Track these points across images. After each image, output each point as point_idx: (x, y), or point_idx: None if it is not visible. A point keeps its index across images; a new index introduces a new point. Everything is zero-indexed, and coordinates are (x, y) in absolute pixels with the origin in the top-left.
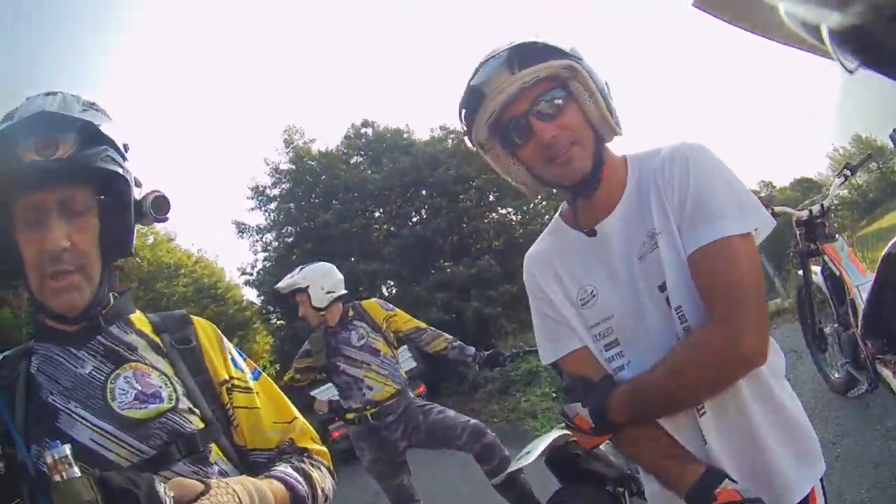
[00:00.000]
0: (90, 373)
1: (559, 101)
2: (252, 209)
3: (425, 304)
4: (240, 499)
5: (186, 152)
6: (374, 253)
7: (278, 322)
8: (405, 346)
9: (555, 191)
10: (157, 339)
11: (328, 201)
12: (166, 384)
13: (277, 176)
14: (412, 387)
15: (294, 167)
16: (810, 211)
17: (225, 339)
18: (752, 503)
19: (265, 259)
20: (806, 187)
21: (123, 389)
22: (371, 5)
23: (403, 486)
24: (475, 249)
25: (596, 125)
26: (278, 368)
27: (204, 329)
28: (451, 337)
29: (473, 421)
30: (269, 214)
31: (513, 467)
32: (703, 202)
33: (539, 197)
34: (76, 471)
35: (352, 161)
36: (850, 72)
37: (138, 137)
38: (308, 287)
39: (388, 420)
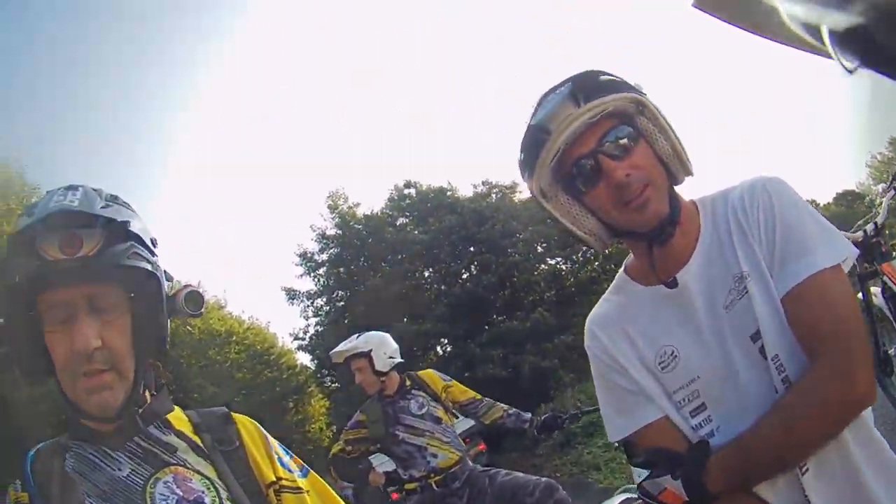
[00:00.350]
0: (128, 476)
1: (627, 140)
2: (301, 275)
3: (481, 361)
4: None
5: (233, 221)
6: (426, 313)
7: (333, 385)
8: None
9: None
10: (197, 440)
11: (376, 264)
12: (209, 488)
13: (324, 241)
14: (472, 445)
15: (340, 232)
16: (864, 231)
17: (270, 438)
18: None
19: (317, 324)
20: (850, 200)
21: (164, 495)
22: (404, 68)
23: None
24: (527, 302)
25: (668, 164)
26: (334, 430)
27: (247, 428)
28: (506, 406)
29: (545, 478)
30: (319, 280)
31: None
32: (791, 237)
33: (584, 248)
34: None
35: (397, 223)
36: (850, 72)
37: (184, 210)
38: (371, 351)
39: (455, 486)
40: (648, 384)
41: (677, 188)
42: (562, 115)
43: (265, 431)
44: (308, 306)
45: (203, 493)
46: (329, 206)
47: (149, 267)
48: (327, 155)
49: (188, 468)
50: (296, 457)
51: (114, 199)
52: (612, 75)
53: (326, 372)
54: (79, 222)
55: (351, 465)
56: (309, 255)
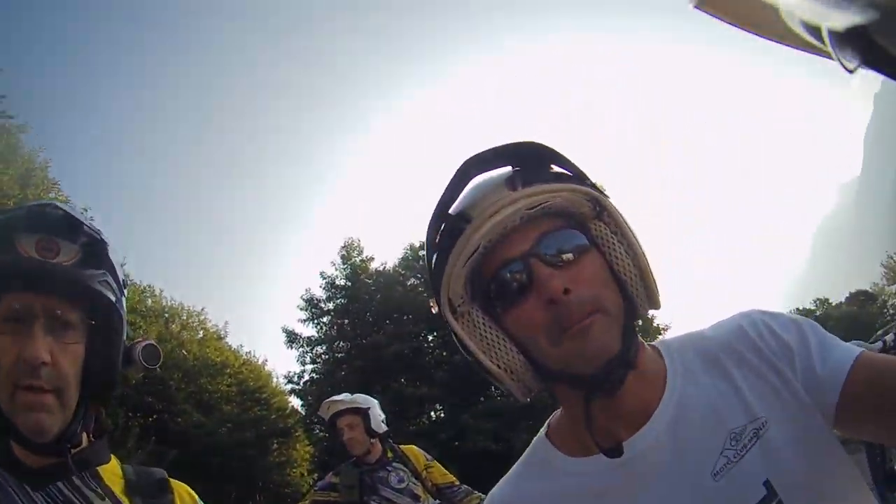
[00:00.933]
0: None
1: (574, 249)
2: (304, 320)
3: (472, 432)
4: None
5: (248, 256)
6: (425, 377)
7: (321, 433)
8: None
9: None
10: (125, 502)
11: (382, 320)
12: None
13: (333, 290)
14: None
15: (350, 283)
16: (884, 341)
17: None
18: None
19: (313, 370)
20: (862, 300)
21: None
22: (432, 134)
23: None
24: None
25: (628, 288)
26: (315, 478)
27: (183, 499)
28: (482, 495)
29: None
30: (322, 327)
31: None
32: (827, 350)
33: None
34: None
35: (408, 282)
36: (850, 72)
37: (200, 237)
38: (368, 409)
39: None
40: None
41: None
42: (491, 199)
43: None
44: (307, 352)
45: None
46: (342, 257)
47: (114, 300)
48: (350, 205)
49: None
50: None
51: (97, 230)
52: (568, 162)
53: (316, 419)
54: (62, 231)
55: None
56: (315, 301)
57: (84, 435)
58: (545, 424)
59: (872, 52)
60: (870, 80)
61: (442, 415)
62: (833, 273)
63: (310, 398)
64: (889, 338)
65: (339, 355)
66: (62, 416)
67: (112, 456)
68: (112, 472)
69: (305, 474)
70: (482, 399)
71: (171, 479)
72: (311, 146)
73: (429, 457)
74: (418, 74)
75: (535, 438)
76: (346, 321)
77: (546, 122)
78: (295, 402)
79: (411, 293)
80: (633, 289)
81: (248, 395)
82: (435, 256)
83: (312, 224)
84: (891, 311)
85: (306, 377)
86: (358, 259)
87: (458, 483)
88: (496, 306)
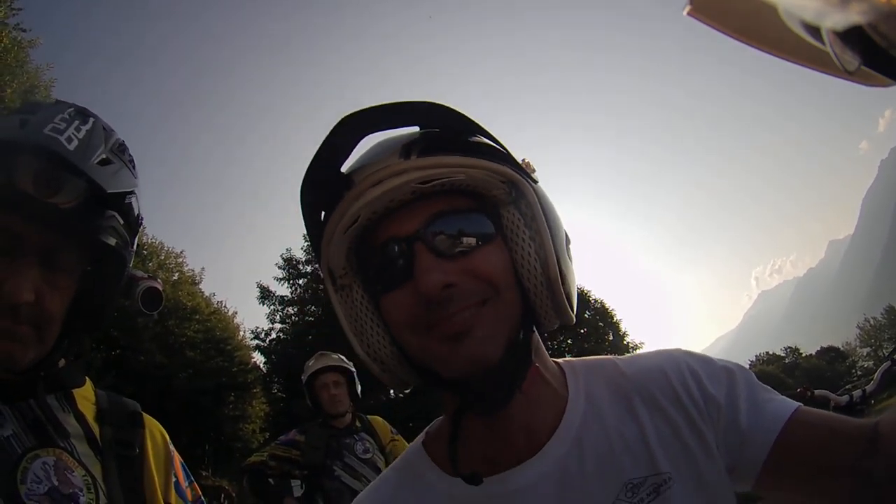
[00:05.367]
0: (7, 437)
1: (473, 235)
2: (280, 279)
3: (432, 414)
4: None
5: (235, 206)
6: None
7: (279, 394)
8: None
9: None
10: (96, 430)
11: None
12: (88, 489)
13: (313, 254)
14: None
15: None
16: (851, 396)
17: (175, 454)
18: None
19: (281, 330)
20: (832, 357)
21: (38, 477)
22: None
23: None
24: None
25: (533, 293)
26: (267, 437)
27: (154, 437)
28: None
29: None
30: (297, 289)
31: None
32: (758, 405)
33: (561, 336)
34: None
35: None
36: (851, 72)
37: (187, 181)
38: (354, 373)
39: None
40: None
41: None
42: (380, 164)
43: (172, 446)
44: (278, 311)
45: (80, 492)
46: None
47: (118, 245)
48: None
49: (74, 458)
50: (195, 484)
51: (121, 150)
52: (488, 135)
53: (276, 379)
54: (68, 165)
55: (264, 482)
56: (295, 262)
57: (60, 360)
58: (424, 431)
59: (872, 52)
60: (880, 147)
61: (401, 395)
62: (807, 326)
63: (273, 357)
64: (856, 394)
65: (310, 319)
66: (38, 348)
67: (87, 380)
68: (85, 396)
69: (258, 431)
70: None
71: (144, 414)
72: (312, 95)
73: (394, 430)
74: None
75: (411, 444)
76: (322, 287)
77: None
78: (258, 358)
79: None
80: (535, 297)
81: (213, 344)
82: (309, 212)
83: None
84: (859, 373)
85: (273, 336)
86: None
87: None
88: (376, 287)
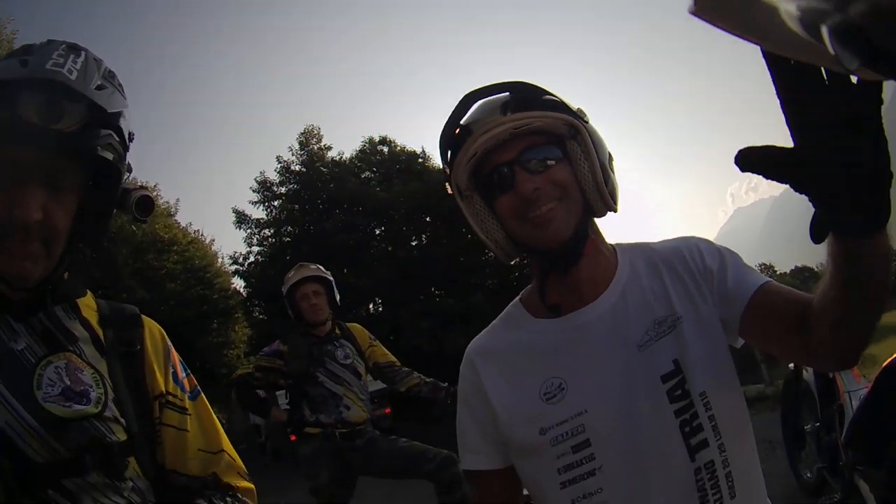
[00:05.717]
0: (22, 350)
1: (551, 160)
2: (255, 202)
3: (408, 330)
4: None
5: (206, 133)
6: (368, 269)
7: (261, 316)
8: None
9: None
10: (99, 333)
11: (332, 210)
12: (98, 384)
13: (287, 175)
14: (379, 406)
15: (305, 170)
16: None
17: (172, 350)
18: None
19: (259, 253)
20: (806, 276)
21: (52, 380)
22: (404, 30)
23: None
24: (469, 284)
25: (587, 194)
26: (251, 360)
27: (152, 334)
28: (421, 376)
29: (446, 451)
30: (272, 211)
31: None
32: (740, 272)
33: None
34: None
35: (363, 175)
36: (851, 72)
37: (160, 110)
38: (332, 282)
39: (357, 443)
40: (509, 425)
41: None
42: (489, 120)
43: (170, 343)
44: (255, 234)
45: (90, 388)
46: (300, 143)
47: (115, 160)
48: (314, 91)
49: (82, 359)
50: (192, 376)
51: (111, 76)
52: (553, 96)
53: (257, 302)
54: (67, 94)
55: (253, 393)
56: (269, 184)
57: (64, 273)
58: (520, 293)
59: (873, 51)
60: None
61: (380, 309)
62: (782, 245)
63: (253, 280)
64: None
65: (286, 240)
66: (47, 263)
67: (88, 291)
68: (87, 304)
69: (242, 356)
70: (421, 297)
71: (143, 316)
72: (282, 24)
73: (372, 336)
74: None
75: (510, 303)
76: (297, 207)
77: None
78: (238, 283)
79: (365, 186)
80: (590, 195)
81: (192, 273)
82: (448, 153)
83: (274, 108)
84: None
85: (251, 259)
86: (316, 147)
87: (398, 364)
88: (490, 195)
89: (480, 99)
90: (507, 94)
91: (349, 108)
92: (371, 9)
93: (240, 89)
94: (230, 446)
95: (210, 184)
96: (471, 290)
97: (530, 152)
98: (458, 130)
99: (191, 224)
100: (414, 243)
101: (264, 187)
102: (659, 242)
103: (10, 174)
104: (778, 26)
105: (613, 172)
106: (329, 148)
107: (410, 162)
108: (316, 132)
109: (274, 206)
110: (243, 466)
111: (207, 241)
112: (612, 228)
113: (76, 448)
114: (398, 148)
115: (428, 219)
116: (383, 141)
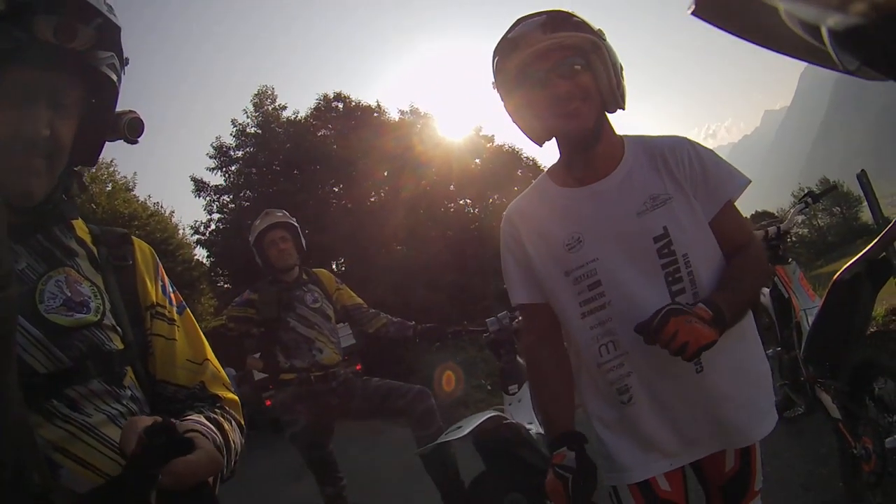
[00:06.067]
0: (23, 270)
1: (578, 67)
2: (213, 169)
3: (372, 284)
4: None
5: (157, 102)
6: (329, 227)
7: (226, 286)
8: (344, 323)
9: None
10: (94, 250)
11: (290, 170)
12: (95, 296)
13: (243, 138)
14: (349, 363)
15: (260, 132)
16: (766, 232)
17: (160, 266)
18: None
19: (220, 220)
20: (765, 223)
21: (53, 293)
22: None
23: (331, 455)
24: (429, 236)
25: (604, 95)
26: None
27: (142, 250)
28: (388, 316)
29: (419, 386)
30: (230, 176)
31: (442, 439)
32: (714, 172)
33: (496, 195)
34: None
35: (319, 133)
36: (851, 72)
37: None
38: (298, 228)
39: (332, 385)
40: (544, 269)
41: (613, 118)
42: (530, 36)
43: (158, 260)
44: (214, 201)
45: (89, 298)
46: (254, 104)
47: (117, 81)
48: (265, 51)
49: (80, 273)
50: (178, 293)
51: (111, 7)
52: (580, 18)
53: (221, 271)
54: (81, 14)
55: (227, 344)
56: (225, 149)
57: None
58: (547, 168)
59: (872, 52)
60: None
61: (343, 267)
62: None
63: (215, 248)
64: (772, 230)
65: (246, 204)
66: (49, 179)
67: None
68: (80, 226)
69: (209, 327)
70: (383, 251)
71: (133, 237)
72: None
73: (338, 280)
74: None
75: (538, 176)
76: (255, 170)
77: None
78: (200, 253)
79: (321, 144)
80: (606, 96)
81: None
82: (497, 59)
83: (228, 72)
84: (793, 239)
85: (212, 227)
86: (270, 107)
87: (365, 306)
88: (530, 92)
89: (525, 20)
90: (545, 16)
91: (302, 65)
92: None
93: (191, 54)
94: (213, 356)
95: (167, 153)
96: (431, 242)
97: (562, 62)
98: (506, 43)
99: (150, 197)
100: (373, 199)
101: (221, 152)
102: (657, 137)
103: (16, 93)
104: (778, 27)
105: (623, 79)
106: (284, 108)
107: (366, 116)
108: (270, 93)
109: (231, 171)
110: (227, 377)
111: (167, 213)
112: None
113: (78, 357)
114: (353, 103)
115: (386, 173)
116: (338, 97)
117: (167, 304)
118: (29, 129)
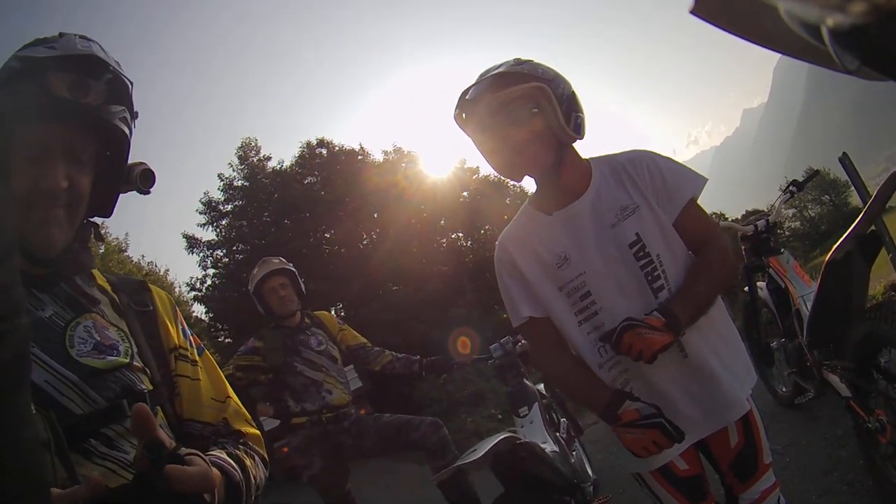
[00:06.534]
0: (50, 317)
1: (526, 113)
2: (203, 224)
3: (372, 327)
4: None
5: (141, 156)
6: (324, 273)
7: (226, 340)
8: (350, 367)
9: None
10: (115, 297)
11: (280, 220)
12: (123, 339)
13: (230, 192)
14: (358, 406)
15: (247, 184)
16: (755, 226)
17: (178, 311)
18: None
19: (215, 275)
20: (754, 219)
21: (83, 338)
22: (326, 31)
23: (349, 495)
24: (424, 273)
25: (557, 134)
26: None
27: (160, 296)
28: (393, 353)
29: (431, 417)
30: (221, 230)
31: (458, 463)
32: (672, 178)
33: (487, 226)
34: (31, 408)
35: (305, 181)
36: (851, 72)
37: None
38: (296, 273)
39: (345, 425)
40: (540, 287)
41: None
42: (483, 96)
43: (176, 306)
44: (208, 256)
45: (118, 342)
46: (239, 157)
47: (129, 134)
48: (247, 103)
49: (105, 319)
50: (195, 336)
51: (119, 63)
52: (528, 66)
53: (220, 326)
54: (93, 71)
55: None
56: (214, 204)
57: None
58: (529, 196)
59: (872, 52)
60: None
61: (342, 311)
62: (731, 192)
63: (213, 304)
64: (761, 223)
65: (240, 257)
66: (69, 229)
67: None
68: (98, 276)
69: None
70: (380, 293)
71: (150, 284)
72: (208, 46)
73: (340, 321)
74: None
75: (523, 204)
76: (245, 223)
77: None
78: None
79: (309, 191)
80: (559, 134)
81: None
82: (459, 114)
83: (211, 125)
84: (787, 233)
85: (208, 282)
86: (255, 159)
87: (369, 344)
88: (494, 142)
89: (479, 81)
90: (493, 77)
91: (283, 114)
92: (291, 10)
93: (173, 110)
94: (234, 394)
95: (157, 212)
96: (427, 279)
97: (514, 110)
98: (464, 103)
99: (143, 257)
100: (365, 241)
101: (210, 207)
102: (620, 153)
103: (36, 148)
104: (778, 27)
105: (580, 110)
106: (269, 158)
107: (350, 160)
108: (254, 144)
109: (222, 225)
110: (248, 413)
111: (162, 271)
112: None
113: (112, 397)
114: (337, 148)
115: (375, 215)
116: (321, 143)
117: (188, 347)
118: (49, 183)
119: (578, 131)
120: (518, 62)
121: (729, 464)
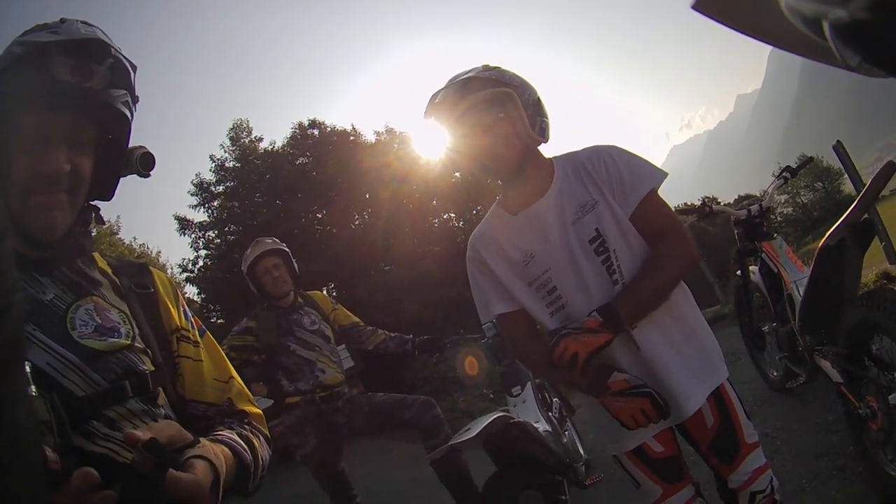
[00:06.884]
0: (51, 300)
1: (490, 119)
2: (195, 206)
3: (364, 307)
4: (219, 462)
5: (136, 142)
6: (316, 254)
7: (219, 321)
8: (342, 346)
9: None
10: (116, 280)
11: (272, 200)
12: (124, 321)
13: (222, 173)
14: (351, 386)
15: (239, 165)
16: (748, 210)
17: (179, 293)
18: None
19: (207, 256)
20: (747, 204)
21: (84, 320)
22: (321, 12)
23: (343, 473)
24: (417, 253)
25: (523, 137)
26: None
27: (161, 278)
28: (386, 332)
29: (424, 396)
30: (213, 212)
31: (452, 442)
32: (631, 171)
33: (479, 207)
34: (32, 389)
35: (297, 161)
36: (852, 68)
37: None
38: (289, 252)
39: (338, 404)
40: (511, 284)
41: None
42: (450, 100)
43: (176, 287)
44: (200, 238)
45: (119, 324)
46: (231, 138)
47: (130, 117)
48: (238, 84)
49: (107, 302)
50: (196, 318)
51: (120, 49)
52: (495, 72)
53: (213, 307)
54: (96, 56)
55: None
56: (205, 185)
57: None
58: (497, 198)
59: (874, 48)
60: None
61: (334, 292)
62: (723, 177)
63: (205, 285)
64: (754, 208)
65: (232, 238)
66: (71, 212)
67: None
68: (99, 259)
69: None
70: (372, 273)
71: (150, 266)
72: (200, 27)
73: (334, 300)
74: None
75: (493, 205)
76: (237, 204)
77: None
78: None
79: (301, 172)
80: (524, 138)
81: None
82: (427, 115)
83: (202, 107)
84: (779, 219)
85: (201, 263)
86: (247, 140)
87: (362, 323)
88: (463, 144)
89: (446, 86)
90: (460, 82)
91: (275, 95)
92: None
93: (165, 90)
94: (237, 374)
95: (148, 194)
96: (419, 259)
97: (481, 114)
98: (433, 108)
99: (135, 239)
100: (357, 221)
101: (202, 189)
102: (581, 150)
103: (38, 133)
104: (780, 23)
105: (544, 115)
106: (260, 139)
107: (342, 140)
108: (245, 125)
109: (214, 206)
110: (249, 393)
111: (154, 253)
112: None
113: (114, 378)
114: (328, 128)
115: (367, 195)
116: (313, 124)
117: (190, 328)
118: (51, 167)
119: (543, 135)
120: (486, 68)
121: (708, 445)
